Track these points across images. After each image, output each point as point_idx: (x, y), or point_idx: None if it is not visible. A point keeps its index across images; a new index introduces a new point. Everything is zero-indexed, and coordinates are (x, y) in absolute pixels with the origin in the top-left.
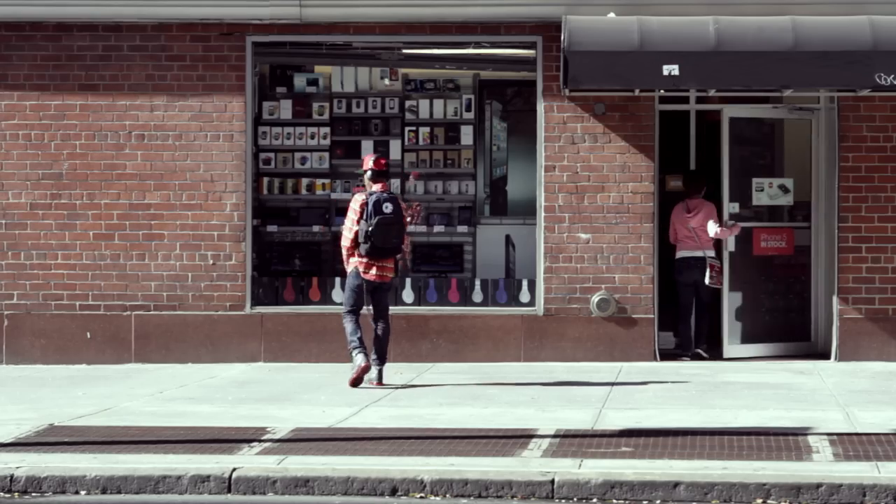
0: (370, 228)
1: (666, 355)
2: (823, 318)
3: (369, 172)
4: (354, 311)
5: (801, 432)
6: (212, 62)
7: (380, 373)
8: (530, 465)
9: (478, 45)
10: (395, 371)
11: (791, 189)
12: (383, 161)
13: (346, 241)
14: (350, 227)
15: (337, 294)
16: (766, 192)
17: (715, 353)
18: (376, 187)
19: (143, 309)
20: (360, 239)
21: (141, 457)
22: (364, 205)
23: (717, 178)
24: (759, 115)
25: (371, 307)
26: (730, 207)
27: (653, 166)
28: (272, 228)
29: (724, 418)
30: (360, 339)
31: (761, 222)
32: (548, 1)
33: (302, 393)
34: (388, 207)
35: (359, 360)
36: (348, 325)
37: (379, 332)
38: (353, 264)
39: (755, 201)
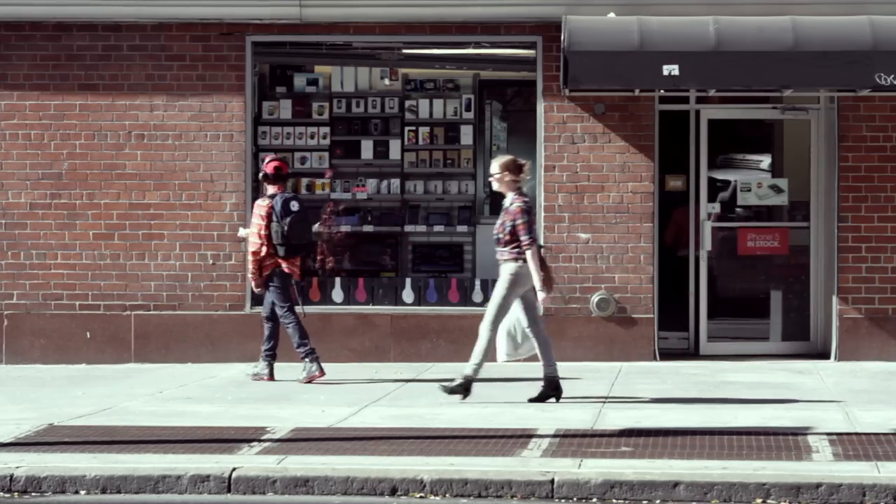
0: (285, 228)
1: (666, 355)
2: (823, 318)
3: (262, 174)
4: (292, 307)
5: (801, 432)
6: (212, 62)
7: (272, 367)
8: (530, 464)
9: (478, 45)
10: (394, 371)
11: (785, 189)
12: (282, 164)
13: (253, 247)
14: (259, 234)
15: (337, 294)
16: (755, 192)
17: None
18: (273, 189)
19: (143, 309)
20: (277, 240)
21: (141, 456)
22: (271, 208)
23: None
24: (740, 116)
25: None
26: (708, 208)
27: (653, 166)
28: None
29: (723, 418)
30: (308, 342)
31: (746, 222)
32: (548, 1)
33: (301, 393)
34: (295, 206)
35: (314, 367)
36: (294, 326)
37: (272, 327)
38: (269, 266)
39: (740, 201)
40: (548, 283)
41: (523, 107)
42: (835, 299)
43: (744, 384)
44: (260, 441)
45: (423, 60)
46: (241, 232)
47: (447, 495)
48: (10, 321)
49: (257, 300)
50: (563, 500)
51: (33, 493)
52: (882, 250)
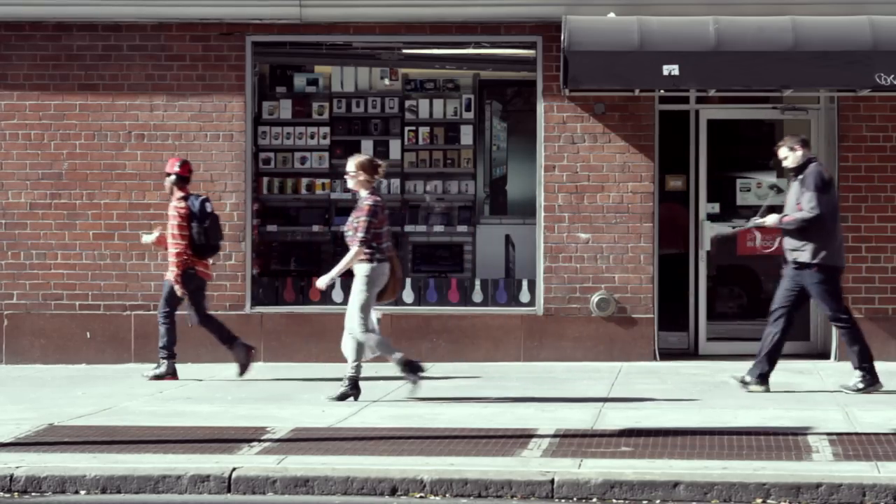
0: (205, 229)
1: (665, 355)
2: (823, 318)
3: (174, 177)
4: (174, 311)
5: (801, 432)
6: (212, 62)
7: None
8: (530, 464)
9: (478, 45)
10: (394, 371)
11: (785, 189)
12: (189, 165)
13: (178, 248)
14: (181, 234)
15: (337, 294)
16: (755, 192)
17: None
18: (181, 193)
19: (143, 309)
20: (199, 241)
21: (141, 456)
22: (188, 209)
23: (723, 177)
24: (739, 116)
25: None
26: (708, 208)
27: (653, 166)
28: (272, 228)
29: (723, 418)
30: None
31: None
32: (548, 1)
33: (302, 393)
34: (209, 207)
35: (164, 368)
36: (168, 329)
37: (190, 324)
38: (182, 267)
39: (740, 202)
40: (395, 288)
41: (523, 107)
42: None
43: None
44: (260, 441)
45: (423, 60)
46: (145, 238)
47: (447, 495)
48: (10, 321)
49: (257, 300)
50: (563, 500)
51: (33, 493)
52: (882, 250)
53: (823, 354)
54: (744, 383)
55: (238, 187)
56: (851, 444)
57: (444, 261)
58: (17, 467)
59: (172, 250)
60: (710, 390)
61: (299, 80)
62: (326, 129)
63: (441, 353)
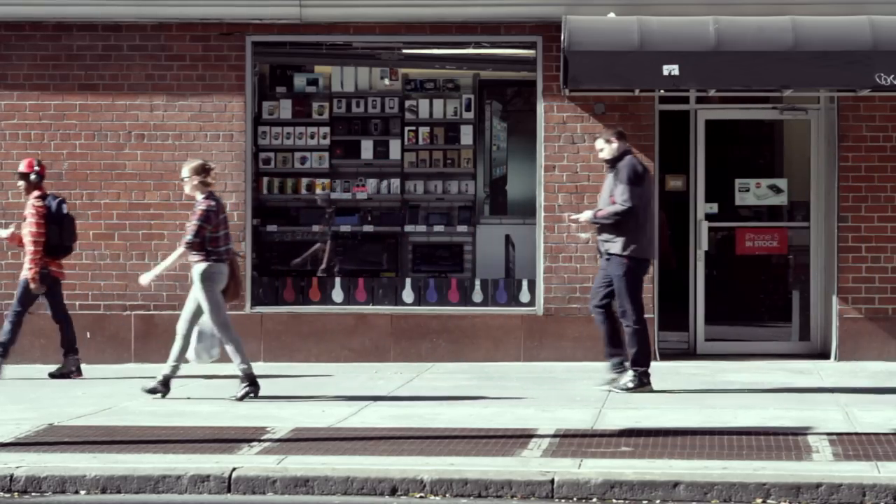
0: (60, 230)
1: (666, 355)
2: (823, 318)
3: (35, 176)
4: (25, 312)
5: (801, 432)
6: (212, 62)
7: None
8: (530, 464)
9: (478, 45)
10: (393, 371)
11: (784, 189)
12: (44, 167)
13: (38, 246)
14: (38, 233)
15: (337, 294)
16: (753, 192)
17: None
18: (38, 192)
19: (143, 309)
20: (53, 241)
21: (141, 456)
22: (46, 208)
23: (723, 177)
24: (738, 116)
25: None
26: (706, 208)
27: (653, 166)
28: (272, 228)
29: (723, 418)
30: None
31: (744, 222)
32: (548, 1)
33: (301, 393)
34: (65, 208)
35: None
36: (14, 327)
37: (65, 326)
38: (38, 265)
39: (738, 201)
40: (234, 291)
41: (523, 107)
42: (835, 299)
43: (744, 384)
44: (260, 441)
45: (423, 60)
46: (1, 233)
47: (447, 495)
48: None
49: (257, 300)
50: (563, 500)
51: (33, 493)
52: (882, 250)
53: (823, 354)
54: (629, 389)
55: (238, 187)
56: (851, 444)
57: (444, 261)
58: (17, 467)
59: (29, 248)
60: (710, 390)
61: (299, 80)
62: (326, 129)
63: (441, 353)
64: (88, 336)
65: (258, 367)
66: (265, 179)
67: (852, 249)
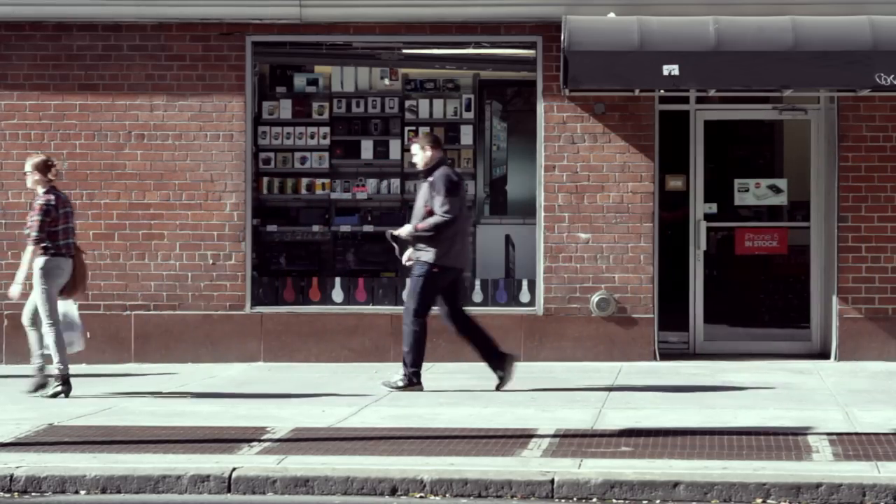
0: None
1: (666, 355)
2: (823, 318)
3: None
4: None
5: (801, 432)
6: (212, 62)
7: None
8: (530, 464)
9: (478, 45)
10: (393, 371)
11: (784, 189)
12: None
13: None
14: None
15: (337, 294)
16: (753, 192)
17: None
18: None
19: (143, 308)
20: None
21: (141, 456)
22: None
23: (722, 177)
24: (737, 116)
25: None
26: (705, 208)
27: (653, 166)
28: (272, 228)
29: (723, 418)
30: None
31: (744, 222)
32: (548, 1)
33: (301, 392)
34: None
35: None
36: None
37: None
38: None
39: (738, 202)
40: (79, 285)
41: (523, 107)
42: (835, 299)
43: (744, 384)
44: (260, 441)
45: (423, 60)
46: None
47: (447, 495)
48: (10, 321)
49: (257, 300)
50: (563, 500)
51: (33, 493)
52: (882, 250)
53: (823, 354)
54: (399, 387)
55: (238, 187)
56: (851, 444)
57: None
58: (17, 467)
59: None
60: (709, 390)
61: (299, 80)
62: (326, 129)
63: (441, 353)
64: (88, 336)
65: (258, 367)
66: (265, 179)
67: (852, 249)
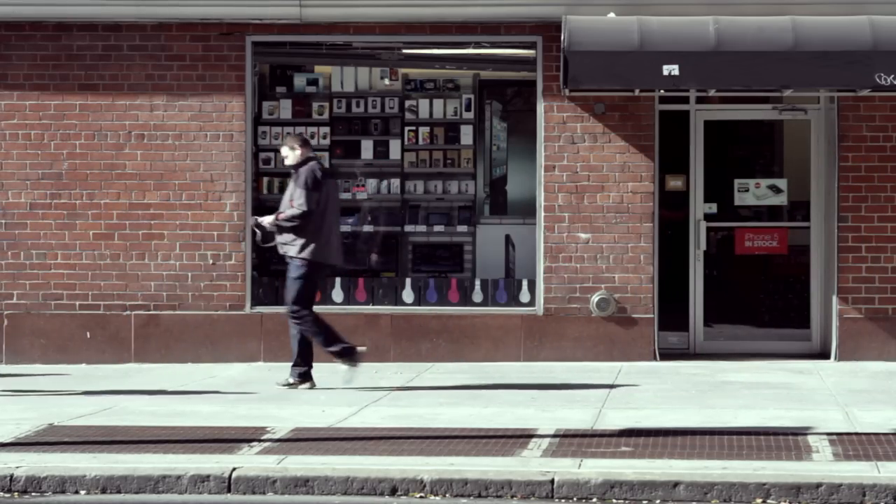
0: None
1: (666, 355)
2: (823, 318)
3: None
4: None
5: (801, 432)
6: (212, 62)
7: None
8: (530, 464)
9: (478, 45)
10: (393, 371)
11: (784, 189)
12: None
13: None
14: None
15: (337, 294)
16: (753, 192)
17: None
18: None
19: (143, 309)
20: None
21: (141, 456)
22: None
23: (722, 177)
24: (737, 116)
25: None
26: (705, 208)
27: (653, 166)
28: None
29: (723, 418)
30: None
31: (744, 222)
32: (548, 1)
33: (301, 392)
34: None
35: None
36: None
37: None
38: None
39: (738, 202)
40: None
41: (523, 107)
42: (835, 299)
43: (744, 384)
44: (260, 441)
45: (423, 60)
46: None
47: (447, 495)
48: (10, 321)
49: (257, 300)
50: (563, 500)
51: (33, 493)
52: (882, 250)
53: (823, 354)
54: (290, 385)
55: (238, 187)
56: (851, 444)
57: (444, 261)
58: (17, 467)
59: None
60: (710, 390)
61: (299, 80)
62: (326, 129)
63: (441, 353)
64: (88, 336)
65: (258, 367)
66: (265, 179)
67: (852, 249)
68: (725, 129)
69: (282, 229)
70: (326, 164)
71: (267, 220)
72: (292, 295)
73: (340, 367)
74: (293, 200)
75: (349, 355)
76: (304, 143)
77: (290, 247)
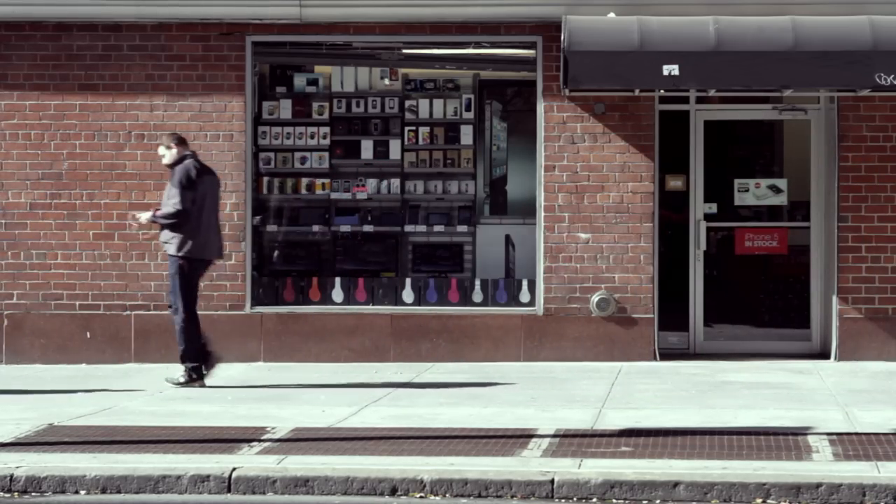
0: None
1: (666, 355)
2: (823, 318)
3: None
4: None
5: (801, 432)
6: (212, 62)
7: None
8: (530, 464)
9: (478, 45)
10: (394, 371)
11: (784, 189)
12: None
13: None
14: None
15: (337, 294)
16: (753, 192)
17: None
18: None
19: (143, 308)
20: None
21: (141, 456)
22: None
23: (722, 177)
24: (736, 116)
25: None
26: (705, 208)
27: (653, 166)
28: (272, 228)
29: (723, 418)
30: None
31: (744, 222)
32: (548, 1)
33: (301, 393)
34: None
35: None
36: None
37: None
38: None
39: (738, 202)
40: None
41: (523, 107)
42: (835, 299)
43: (744, 384)
44: (260, 441)
45: (423, 60)
46: None
47: (447, 495)
48: (10, 321)
49: (257, 300)
50: (563, 500)
51: (33, 493)
52: (882, 250)
53: (823, 354)
54: (180, 384)
55: (238, 187)
56: (851, 444)
57: (444, 261)
58: (17, 467)
59: None
60: (710, 390)
61: (299, 80)
62: (326, 129)
63: (441, 353)
64: (88, 336)
65: (258, 367)
66: (265, 179)
67: (852, 249)
68: (725, 129)
69: (162, 227)
70: (326, 165)
71: (144, 217)
72: (176, 293)
73: (177, 368)
74: (170, 199)
75: (194, 370)
76: (180, 142)
77: (170, 245)
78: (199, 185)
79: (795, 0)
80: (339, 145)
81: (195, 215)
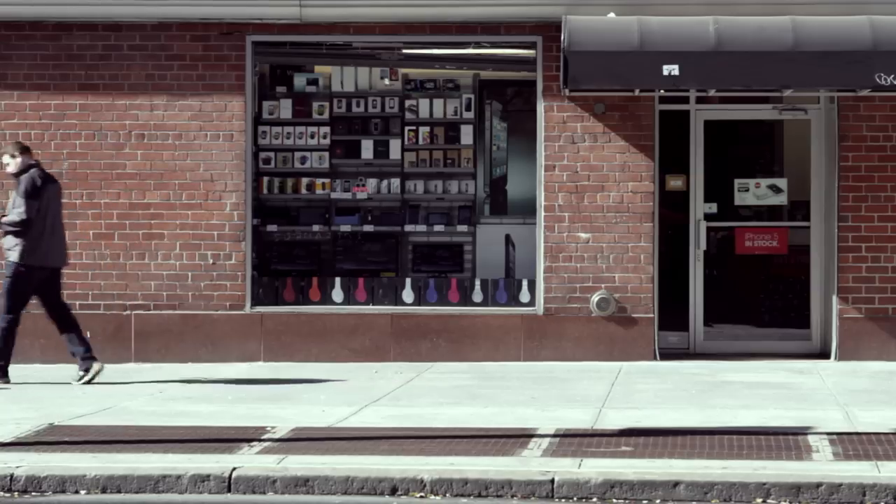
0: None
1: (666, 355)
2: (823, 318)
3: None
4: None
5: (801, 432)
6: (212, 61)
7: None
8: (530, 464)
9: (478, 45)
10: (394, 371)
11: (784, 189)
12: None
13: None
14: None
15: (337, 294)
16: (753, 192)
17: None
18: None
19: (143, 308)
20: None
21: (141, 456)
22: None
23: (722, 177)
24: (736, 116)
25: None
26: (705, 208)
27: (653, 166)
28: (272, 228)
29: (723, 418)
30: None
31: (744, 222)
32: (548, 1)
33: (302, 392)
34: None
35: None
36: None
37: None
38: None
39: (738, 201)
40: None
41: (523, 107)
42: (835, 299)
43: (744, 384)
44: (260, 441)
45: (423, 60)
46: None
47: (447, 495)
48: None
49: (257, 300)
50: (563, 500)
51: (33, 493)
52: (882, 250)
53: (823, 354)
54: None
55: (238, 187)
56: (851, 444)
57: (444, 261)
58: (17, 467)
59: None
60: (710, 390)
61: (299, 80)
62: (326, 129)
63: (441, 353)
64: (89, 336)
65: (258, 367)
66: (265, 179)
67: (852, 249)
68: (725, 128)
69: (6, 233)
70: (326, 165)
71: None
72: (7, 295)
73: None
74: (14, 208)
75: (2, 375)
76: (24, 151)
77: (12, 252)
78: (43, 194)
79: (795, 0)
80: (340, 145)
81: (39, 224)
